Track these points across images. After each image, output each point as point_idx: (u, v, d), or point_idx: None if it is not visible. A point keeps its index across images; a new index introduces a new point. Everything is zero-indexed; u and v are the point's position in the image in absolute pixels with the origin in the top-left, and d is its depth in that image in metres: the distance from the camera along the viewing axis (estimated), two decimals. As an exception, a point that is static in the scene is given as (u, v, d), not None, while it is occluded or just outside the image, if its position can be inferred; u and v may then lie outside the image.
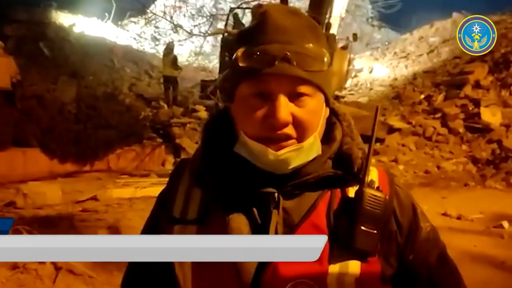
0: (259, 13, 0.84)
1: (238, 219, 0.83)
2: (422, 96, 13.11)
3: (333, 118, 0.93)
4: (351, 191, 0.85)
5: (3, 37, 10.82)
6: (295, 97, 0.80)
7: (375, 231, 0.81)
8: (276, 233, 0.81)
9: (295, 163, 0.81)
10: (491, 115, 10.67)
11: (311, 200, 0.84)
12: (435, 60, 16.41)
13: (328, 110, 0.89)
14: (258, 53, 0.79)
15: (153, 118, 10.96)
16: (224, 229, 0.82)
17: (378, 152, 10.49)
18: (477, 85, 12.06)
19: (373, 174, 0.89)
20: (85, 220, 5.31)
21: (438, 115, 11.60)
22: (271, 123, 0.78)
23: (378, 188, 0.84)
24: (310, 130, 0.82)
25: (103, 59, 15.06)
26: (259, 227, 0.82)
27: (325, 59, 0.83)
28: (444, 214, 6.29)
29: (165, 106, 12.07)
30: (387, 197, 0.85)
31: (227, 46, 11.49)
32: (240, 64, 0.81)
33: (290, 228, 0.82)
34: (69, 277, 3.90)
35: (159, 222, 0.94)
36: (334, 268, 0.80)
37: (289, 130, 0.80)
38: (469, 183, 8.26)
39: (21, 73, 9.62)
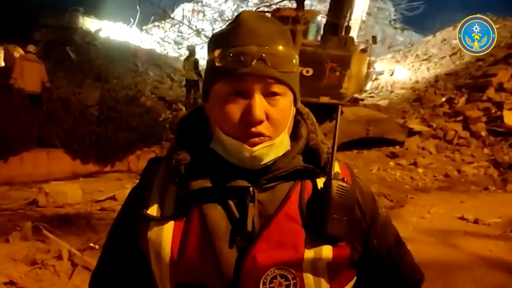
0: (236, 18, 0.89)
1: (216, 213, 0.87)
2: (444, 99, 12.94)
3: (298, 116, 0.99)
4: (319, 183, 0.92)
5: (33, 42, 11.18)
6: (269, 96, 0.85)
7: (344, 218, 0.88)
8: (253, 225, 0.86)
9: (267, 159, 0.86)
10: (514, 119, 10.47)
11: (283, 192, 0.90)
12: (458, 62, 16.16)
13: (295, 109, 0.95)
14: (235, 54, 0.84)
15: (172, 120, 11.12)
16: (202, 223, 0.86)
17: (397, 155, 10.41)
18: (500, 88, 11.85)
19: (336, 167, 0.95)
20: (102, 219, 5.44)
21: (460, 118, 11.45)
22: (247, 121, 0.83)
23: (343, 179, 0.91)
24: (281, 127, 0.87)
25: (127, 63, 15.37)
26: (237, 220, 0.87)
27: (294, 61, 0.89)
28: (461, 218, 6.21)
29: (183, 108, 12.25)
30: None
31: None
32: (217, 64, 0.85)
33: (266, 219, 0.87)
34: (85, 273, 4.01)
35: (131, 218, 0.95)
36: (309, 254, 0.86)
37: (263, 127, 0.85)
38: (489, 187, 8.10)
39: (49, 77, 9.94)
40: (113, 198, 6.56)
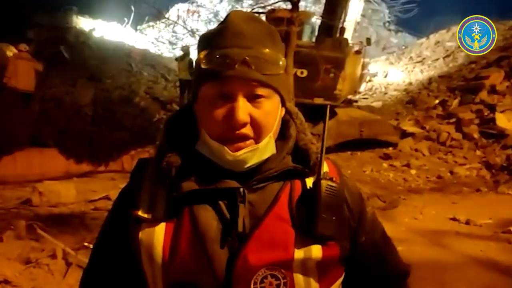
0: (224, 19, 0.89)
1: (207, 214, 0.87)
2: (437, 101, 13.02)
3: (287, 116, 0.99)
4: (309, 182, 0.93)
5: (26, 41, 11.12)
6: (253, 98, 0.85)
7: (334, 217, 0.89)
8: (243, 225, 0.86)
9: (251, 162, 0.87)
10: (506, 121, 10.55)
11: (273, 193, 0.91)
12: (451, 64, 16.26)
13: (284, 110, 0.95)
14: (219, 56, 0.84)
15: (166, 120, 11.11)
16: (193, 224, 0.86)
17: (391, 157, 10.46)
18: (492, 90, 11.93)
19: (325, 167, 0.96)
20: (96, 218, 5.44)
21: (453, 120, 11.52)
22: (231, 124, 0.84)
23: (332, 179, 0.92)
24: (266, 130, 0.87)
25: (121, 62, 15.27)
26: (228, 221, 0.87)
27: (281, 63, 0.89)
28: (453, 219, 6.25)
29: (178, 109, 12.23)
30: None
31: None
32: (203, 66, 0.86)
33: (256, 219, 0.87)
34: (79, 272, 4.00)
35: (121, 219, 0.94)
36: (299, 254, 0.87)
37: (247, 130, 0.85)
38: (481, 189, 8.16)
39: (42, 76, 9.92)
40: (107, 197, 6.56)
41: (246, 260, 0.84)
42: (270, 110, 0.88)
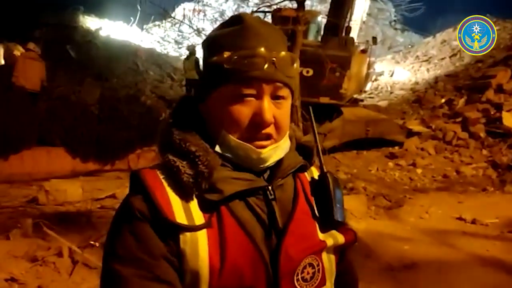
0: (237, 20, 0.89)
1: (246, 214, 0.87)
2: (443, 100, 12.97)
3: None
4: (308, 175, 1.03)
5: (33, 40, 11.19)
6: (275, 99, 0.88)
7: (342, 205, 0.97)
8: (279, 222, 0.89)
9: (272, 160, 0.90)
10: (513, 120, 10.49)
11: (290, 187, 0.96)
12: (458, 63, 16.21)
13: None
14: (246, 56, 0.84)
15: (172, 119, 11.15)
16: (238, 227, 0.85)
17: (397, 156, 10.43)
18: (499, 89, 11.86)
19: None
20: (102, 217, 5.46)
21: (459, 119, 11.46)
22: (257, 123, 0.86)
23: (330, 173, 1.00)
24: (285, 129, 0.91)
25: (127, 62, 15.34)
26: (263, 219, 0.89)
27: (295, 66, 0.92)
28: (459, 218, 6.23)
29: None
30: None
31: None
32: (226, 67, 0.85)
33: (286, 214, 0.91)
34: (85, 270, 4.04)
35: (155, 232, 0.82)
36: (330, 241, 0.95)
37: (271, 129, 0.88)
38: (487, 188, 8.12)
39: (49, 75, 9.97)
40: (113, 196, 6.59)
41: (288, 255, 0.87)
42: (288, 110, 0.92)
